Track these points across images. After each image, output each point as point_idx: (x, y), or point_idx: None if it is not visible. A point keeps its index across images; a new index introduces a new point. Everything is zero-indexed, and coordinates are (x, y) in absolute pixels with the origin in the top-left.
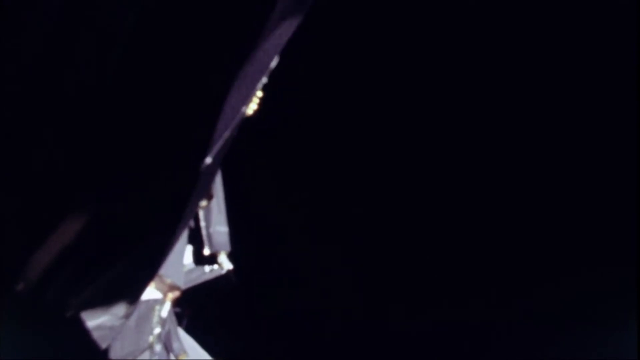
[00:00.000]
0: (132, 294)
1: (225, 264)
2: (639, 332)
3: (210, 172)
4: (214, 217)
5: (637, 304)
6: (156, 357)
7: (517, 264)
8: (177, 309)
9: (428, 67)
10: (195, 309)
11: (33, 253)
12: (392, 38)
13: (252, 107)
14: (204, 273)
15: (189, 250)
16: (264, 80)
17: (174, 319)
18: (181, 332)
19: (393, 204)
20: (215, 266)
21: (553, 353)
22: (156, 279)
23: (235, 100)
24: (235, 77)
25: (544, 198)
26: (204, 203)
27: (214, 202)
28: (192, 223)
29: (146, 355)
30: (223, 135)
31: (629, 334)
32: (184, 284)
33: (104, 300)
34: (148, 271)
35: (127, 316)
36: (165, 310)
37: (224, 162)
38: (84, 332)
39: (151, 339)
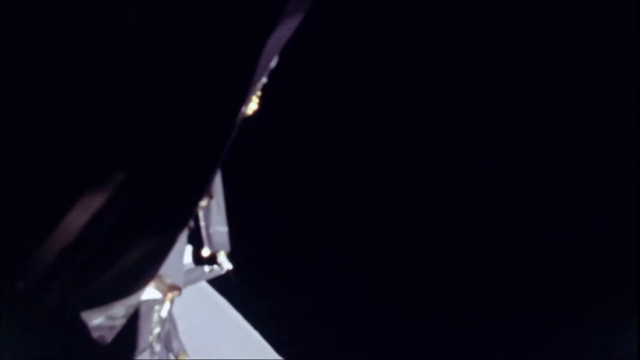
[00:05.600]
0: (131, 294)
1: (225, 264)
2: (639, 332)
3: (210, 172)
4: (213, 217)
5: (637, 304)
6: (156, 357)
7: (517, 264)
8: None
9: (428, 68)
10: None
11: (33, 253)
12: (391, 38)
13: (252, 107)
14: (204, 273)
15: (188, 250)
16: (264, 80)
17: (173, 318)
18: (212, 293)
19: (395, 204)
20: (215, 266)
21: (553, 353)
22: (156, 279)
23: (236, 100)
24: (236, 77)
25: (544, 198)
26: (203, 203)
27: (213, 202)
28: (191, 223)
29: (146, 355)
30: (224, 137)
31: (629, 334)
32: (183, 284)
33: (103, 300)
34: (148, 271)
35: (126, 316)
36: (165, 310)
37: (224, 162)
38: (84, 332)
39: (151, 338)
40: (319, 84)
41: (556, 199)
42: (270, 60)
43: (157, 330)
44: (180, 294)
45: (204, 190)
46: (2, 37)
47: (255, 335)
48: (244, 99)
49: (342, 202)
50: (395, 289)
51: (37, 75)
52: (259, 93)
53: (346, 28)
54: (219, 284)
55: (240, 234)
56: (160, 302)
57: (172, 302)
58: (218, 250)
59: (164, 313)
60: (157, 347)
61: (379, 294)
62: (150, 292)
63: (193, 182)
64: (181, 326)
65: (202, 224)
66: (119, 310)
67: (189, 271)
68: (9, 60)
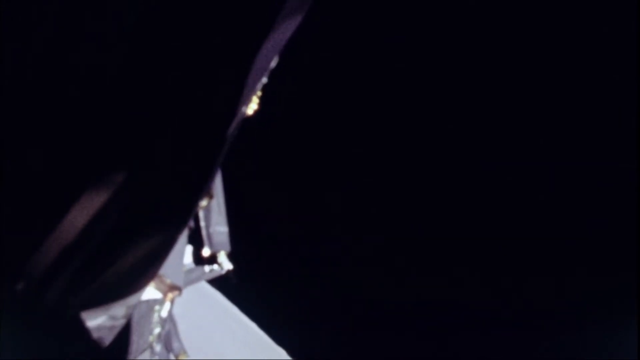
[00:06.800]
0: (132, 294)
1: (225, 264)
2: (639, 332)
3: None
4: (213, 217)
5: (637, 304)
6: (156, 357)
7: (517, 264)
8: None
9: (428, 68)
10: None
11: (33, 253)
12: (391, 38)
13: (252, 107)
14: (204, 273)
15: (188, 250)
16: (264, 80)
17: (174, 318)
18: (211, 292)
19: (395, 204)
20: (215, 266)
21: (553, 353)
22: (156, 279)
23: (236, 100)
24: (236, 77)
25: (544, 198)
26: (204, 203)
27: (213, 202)
28: (192, 223)
29: (146, 355)
30: (224, 137)
31: (629, 334)
32: (184, 284)
33: (103, 301)
34: (148, 271)
35: (127, 316)
36: (165, 310)
37: (224, 162)
38: (84, 332)
39: (151, 338)
40: (319, 84)
41: (556, 199)
42: (270, 60)
43: (157, 330)
44: (180, 294)
45: (204, 190)
46: (2, 37)
47: (259, 332)
48: (244, 99)
49: (343, 201)
50: (395, 287)
51: (37, 75)
52: (259, 93)
53: (346, 28)
54: (220, 283)
55: (241, 234)
56: (161, 302)
57: (172, 302)
58: (218, 250)
59: (164, 313)
60: (158, 347)
61: (379, 292)
62: (150, 292)
63: (193, 182)
64: (184, 325)
65: (202, 224)
66: (120, 310)
67: (189, 271)
68: (9, 60)
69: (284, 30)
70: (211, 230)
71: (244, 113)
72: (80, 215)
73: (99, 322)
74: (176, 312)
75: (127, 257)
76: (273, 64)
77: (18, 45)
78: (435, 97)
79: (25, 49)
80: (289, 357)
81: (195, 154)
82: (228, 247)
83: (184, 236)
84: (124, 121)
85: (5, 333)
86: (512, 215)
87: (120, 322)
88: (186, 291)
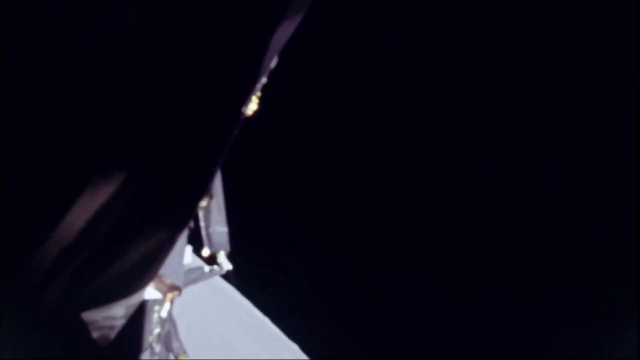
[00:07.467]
0: (132, 294)
1: (225, 264)
2: (639, 332)
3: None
4: (213, 217)
5: (637, 304)
6: (156, 357)
7: (517, 265)
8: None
9: (428, 68)
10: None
11: (33, 253)
12: (391, 38)
13: (252, 108)
14: (204, 273)
15: (188, 250)
16: (264, 80)
17: (173, 319)
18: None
19: (394, 204)
20: (215, 266)
21: (553, 353)
22: (156, 279)
23: (236, 100)
24: (236, 77)
25: (544, 198)
26: (203, 203)
27: (213, 202)
28: (192, 223)
29: (146, 355)
30: (224, 137)
31: (629, 334)
32: (183, 284)
33: (104, 301)
34: (148, 271)
35: (126, 316)
36: (165, 310)
37: (224, 162)
38: (84, 332)
39: (151, 339)
40: (319, 84)
41: (556, 199)
42: (270, 60)
43: (157, 330)
44: (180, 294)
45: (204, 190)
46: (3, 37)
47: (272, 327)
48: (244, 100)
49: (342, 201)
50: (396, 286)
51: (38, 76)
52: (259, 93)
53: (346, 28)
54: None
55: (241, 234)
56: (160, 302)
57: (172, 302)
58: (218, 251)
59: (164, 313)
60: (157, 348)
61: (381, 291)
62: (150, 293)
63: (193, 182)
64: (197, 318)
65: (202, 224)
66: (119, 311)
67: (189, 271)
68: (10, 59)
69: (284, 31)
70: (211, 230)
71: (244, 113)
72: (80, 215)
73: (99, 322)
74: (189, 306)
75: (127, 257)
76: (273, 64)
77: (19, 45)
78: (435, 97)
79: (26, 49)
80: (301, 352)
81: (195, 154)
82: (228, 247)
83: (184, 236)
84: (124, 121)
85: (5, 333)
86: (512, 215)
87: (120, 322)
88: (199, 285)
